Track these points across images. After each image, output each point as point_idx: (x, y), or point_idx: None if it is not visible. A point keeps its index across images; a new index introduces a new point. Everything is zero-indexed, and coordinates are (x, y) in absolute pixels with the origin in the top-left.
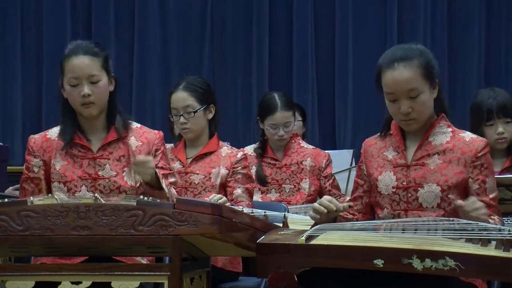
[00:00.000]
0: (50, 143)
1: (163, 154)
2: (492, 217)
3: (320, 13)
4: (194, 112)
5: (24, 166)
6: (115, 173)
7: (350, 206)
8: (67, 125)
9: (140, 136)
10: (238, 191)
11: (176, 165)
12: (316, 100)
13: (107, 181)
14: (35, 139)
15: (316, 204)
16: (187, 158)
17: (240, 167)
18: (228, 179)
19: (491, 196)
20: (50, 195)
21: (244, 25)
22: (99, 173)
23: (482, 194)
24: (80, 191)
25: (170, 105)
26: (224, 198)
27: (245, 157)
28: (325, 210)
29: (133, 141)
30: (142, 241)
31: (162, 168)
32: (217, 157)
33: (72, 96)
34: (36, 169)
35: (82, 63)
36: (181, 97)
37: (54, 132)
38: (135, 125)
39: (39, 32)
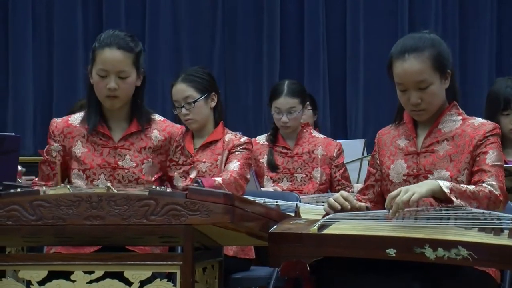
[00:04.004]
0: (72, 129)
1: (182, 150)
2: (484, 184)
3: (331, 1)
4: (194, 102)
5: (45, 148)
6: (134, 164)
7: (368, 208)
8: (92, 113)
9: (163, 130)
10: (229, 164)
11: None
12: (327, 89)
13: (126, 171)
14: (57, 123)
15: (331, 200)
16: (194, 148)
17: (240, 148)
18: (227, 159)
19: (490, 163)
20: (62, 184)
21: (255, 13)
22: (119, 162)
23: (482, 163)
24: (99, 179)
25: (172, 98)
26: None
27: (249, 142)
28: (339, 207)
29: (155, 134)
30: (154, 230)
31: (182, 165)
32: (222, 144)
33: (98, 86)
34: (54, 154)
35: (114, 57)
36: (180, 89)
37: (76, 118)
38: (158, 117)
39: (50, 21)
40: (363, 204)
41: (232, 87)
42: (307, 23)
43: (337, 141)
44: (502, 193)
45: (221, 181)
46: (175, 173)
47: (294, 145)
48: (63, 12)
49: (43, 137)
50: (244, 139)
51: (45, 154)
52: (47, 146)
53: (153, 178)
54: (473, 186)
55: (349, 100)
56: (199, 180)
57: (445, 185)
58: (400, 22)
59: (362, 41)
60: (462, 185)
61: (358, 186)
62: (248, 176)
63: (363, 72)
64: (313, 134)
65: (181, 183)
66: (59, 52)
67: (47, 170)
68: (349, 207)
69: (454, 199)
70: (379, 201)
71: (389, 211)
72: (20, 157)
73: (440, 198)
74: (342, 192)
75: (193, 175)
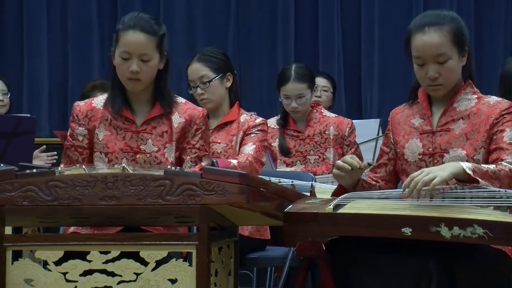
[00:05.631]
0: (96, 112)
1: (203, 134)
2: (503, 163)
3: None
4: (209, 82)
5: (68, 133)
6: (156, 149)
7: (370, 164)
8: (116, 96)
9: (184, 112)
10: (245, 146)
11: None
12: (342, 70)
13: (148, 155)
14: (81, 106)
15: (339, 161)
16: (209, 129)
17: (255, 129)
18: (242, 140)
19: (508, 141)
20: (77, 165)
21: None
22: (141, 147)
23: (499, 141)
24: (121, 163)
25: (187, 78)
26: None
27: (264, 123)
28: (349, 167)
29: (176, 117)
30: (170, 211)
31: (198, 149)
32: (237, 124)
33: (120, 69)
34: (80, 138)
35: (138, 40)
36: (196, 69)
37: (99, 100)
38: (180, 99)
39: (64, 4)
40: (365, 162)
41: (247, 70)
42: (321, 4)
43: (350, 120)
44: None
45: (236, 164)
46: (188, 157)
47: (305, 127)
48: None
49: (59, 118)
50: (259, 120)
51: (70, 139)
52: (70, 130)
53: (174, 161)
54: (494, 166)
55: (364, 81)
56: (214, 160)
57: (467, 166)
58: (415, 2)
59: (376, 23)
60: (483, 165)
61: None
62: (264, 159)
63: (378, 54)
64: (323, 114)
65: (188, 168)
66: (73, 34)
67: (75, 156)
68: (357, 165)
69: (478, 179)
70: (391, 180)
71: (405, 190)
72: (36, 139)
73: (463, 180)
74: (348, 155)
75: (204, 162)
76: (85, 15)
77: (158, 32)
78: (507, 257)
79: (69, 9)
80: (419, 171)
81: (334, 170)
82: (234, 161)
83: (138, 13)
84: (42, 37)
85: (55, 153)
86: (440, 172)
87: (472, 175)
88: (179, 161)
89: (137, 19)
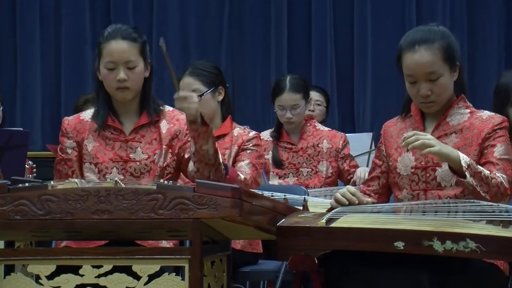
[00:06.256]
0: (83, 124)
1: None
2: (497, 173)
3: None
4: (201, 96)
5: (58, 148)
6: (146, 156)
7: (373, 203)
8: (101, 108)
9: (172, 118)
10: (242, 163)
11: None
12: (335, 82)
13: (138, 164)
14: (69, 120)
15: (338, 195)
16: None
17: (250, 144)
18: (237, 155)
19: (498, 156)
20: (70, 179)
21: (263, 8)
22: (131, 155)
23: (489, 155)
24: (111, 173)
25: None
26: None
27: (257, 136)
28: (347, 202)
29: (164, 124)
30: (162, 224)
31: None
32: (230, 138)
33: (107, 80)
34: (69, 151)
35: (120, 48)
36: (187, 83)
37: (87, 114)
38: (167, 108)
39: (58, 17)
40: (369, 199)
41: (240, 82)
42: (315, 16)
43: (343, 133)
44: (510, 187)
45: (242, 179)
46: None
47: (299, 140)
48: (71, 8)
49: (52, 132)
50: (252, 133)
51: (59, 153)
52: (60, 145)
53: (165, 165)
54: (488, 172)
55: (356, 94)
56: (227, 165)
57: (464, 159)
58: (408, 15)
59: (369, 35)
60: (479, 166)
61: (361, 170)
62: (260, 179)
63: (370, 66)
64: (317, 127)
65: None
66: (67, 47)
67: (64, 169)
68: (356, 202)
69: (467, 175)
70: (383, 193)
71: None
72: (28, 152)
73: (454, 169)
74: (349, 187)
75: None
76: (78, 28)
77: (139, 38)
78: (500, 271)
79: (62, 22)
80: (424, 133)
81: (331, 201)
82: (242, 176)
83: (117, 24)
84: (35, 51)
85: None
86: (440, 146)
87: (464, 168)
88: (185, 162)
89: (116, 29)
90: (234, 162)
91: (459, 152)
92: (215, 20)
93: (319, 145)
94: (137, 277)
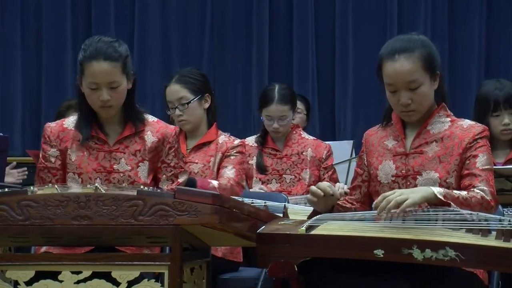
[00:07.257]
0: (67, 133)
1: (176, 151)
2: (475, 190)
3: (320, 4)
4: (188, 103)
5: (40, 155)
6: (130, 168)
7: (346, 193)
8: (84, 120)
9: (156, 131)
10: (225, 169)
11: None
12: (316, 92)
13: (121, 175)
14: (51, 128)
15: (313, 187)
16: (187, 149)
17: (234, 151)
18: (221, 162)
19: (480, 167)
20: (50, 184)
21: (244, 17)
22: (114, 166)
23: (472, 166)
24: (95, 183)
25: (166, 99)
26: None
27: (242, 144)
28: (322, 193)
29: (149, 136)
30: (142, 231)
31: (174, 167)
32: (215, 146)
33: (91, 99)
34: (53, 159)
35: (103, 69)
36: (174, 90)
37: (70, 121)
38: (151, 118)
39: (38, 23)
40: (342, 190)
41: (221, 89)
42: (296, 26)
43: (328, 143)
44: (493, 198)
45: (216, 185)
46: (163, 176)
47: (284, 147)
48: (51, 14)
49: (32, 137)
50: (237, 141)
51: (42, 161)
52: (42, 152)
53: (148, 180)
54: (465, 192)
55: (337, 103)
56: (195, 179)
57: (438, 191)
58: (389, 25)
59: (351, 45)
60: (454, 191)
61: (340, 186)
62: (244, 183)
63: (352, 75)
64: (302, 136)
65: (166, 186)
66: (47, 53)
67: (48, 177)
68: (331, 192)
69: (450, 202)
70: (365, 202)
71: (376, 209)
72: (8, 157)
73: (435, 204)
74: (323, 182)
75: (182, 179)
76: (59, 33)
77: (122, 54)
78: (479, 279)
79: (43, 28)
80: (391, 191)
81: (308, 195)
82: (215, 182)
83: (99, 38)
84: (16, 55)
85: (25, 168)
86: (412, 194)
87: (443, 200)
88: (155, 181)
89: (99, 47)
90: (219, 169)
91: (429, 187)
92: (197, 29)
93: (304, 153)
94: (116, 283)
